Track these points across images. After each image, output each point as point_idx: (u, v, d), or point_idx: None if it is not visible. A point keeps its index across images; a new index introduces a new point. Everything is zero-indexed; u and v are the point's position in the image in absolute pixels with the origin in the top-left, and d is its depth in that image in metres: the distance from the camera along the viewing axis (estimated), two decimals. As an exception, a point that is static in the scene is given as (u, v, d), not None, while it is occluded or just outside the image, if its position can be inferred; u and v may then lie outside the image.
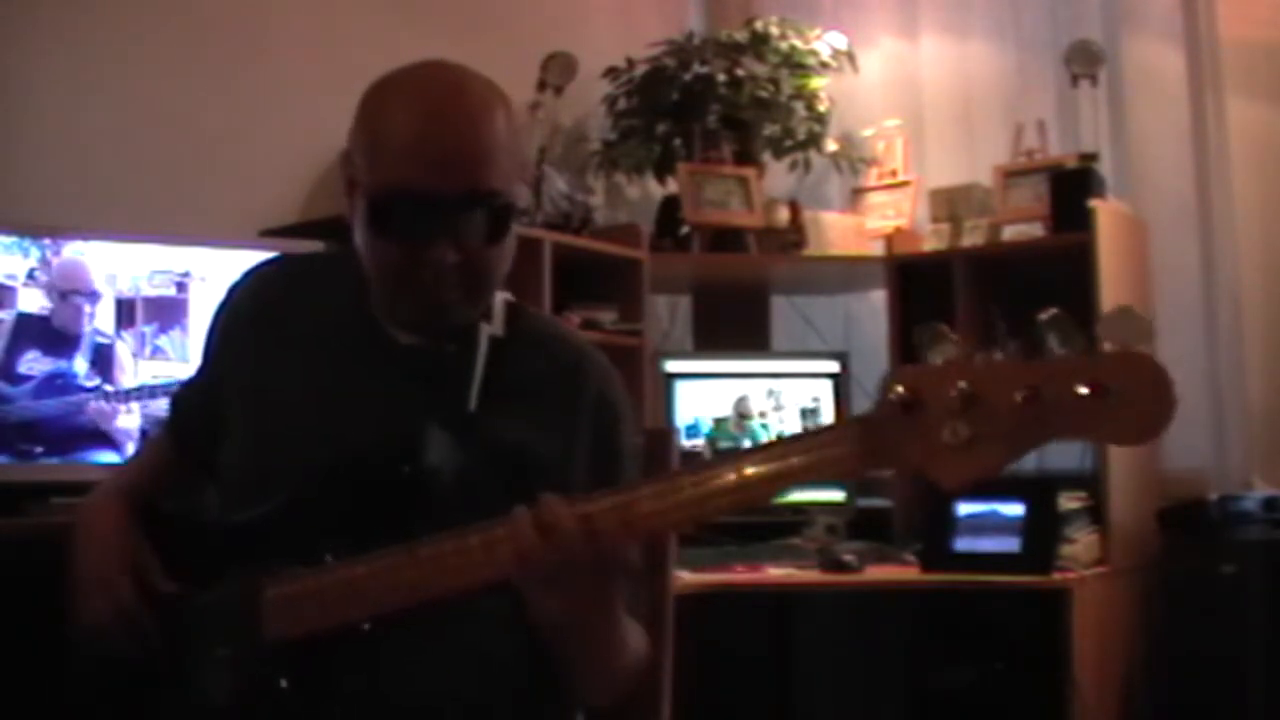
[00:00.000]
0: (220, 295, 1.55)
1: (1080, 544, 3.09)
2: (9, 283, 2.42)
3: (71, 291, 2.47)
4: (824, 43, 3.91)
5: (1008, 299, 3.39)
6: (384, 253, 1.34)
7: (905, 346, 3.52)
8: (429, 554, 1.22)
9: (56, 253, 2.47)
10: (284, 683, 1.28)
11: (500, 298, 1.46)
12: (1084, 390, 0.98)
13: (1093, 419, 0.99)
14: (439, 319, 1.38)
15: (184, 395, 1.61)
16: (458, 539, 1.21)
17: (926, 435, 1.03)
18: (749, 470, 1.12)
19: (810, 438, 1.12)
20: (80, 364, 2.48)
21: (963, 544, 3.12)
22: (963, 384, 1.02)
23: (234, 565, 1.34)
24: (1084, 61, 3.50)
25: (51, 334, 2.45)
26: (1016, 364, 1.03)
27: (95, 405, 2.48)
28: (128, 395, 2.51)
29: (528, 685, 1.40)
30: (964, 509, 3.15)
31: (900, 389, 1.04)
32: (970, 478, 1.03)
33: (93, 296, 2.50)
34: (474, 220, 1.32)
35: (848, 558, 3.18)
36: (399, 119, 1.32)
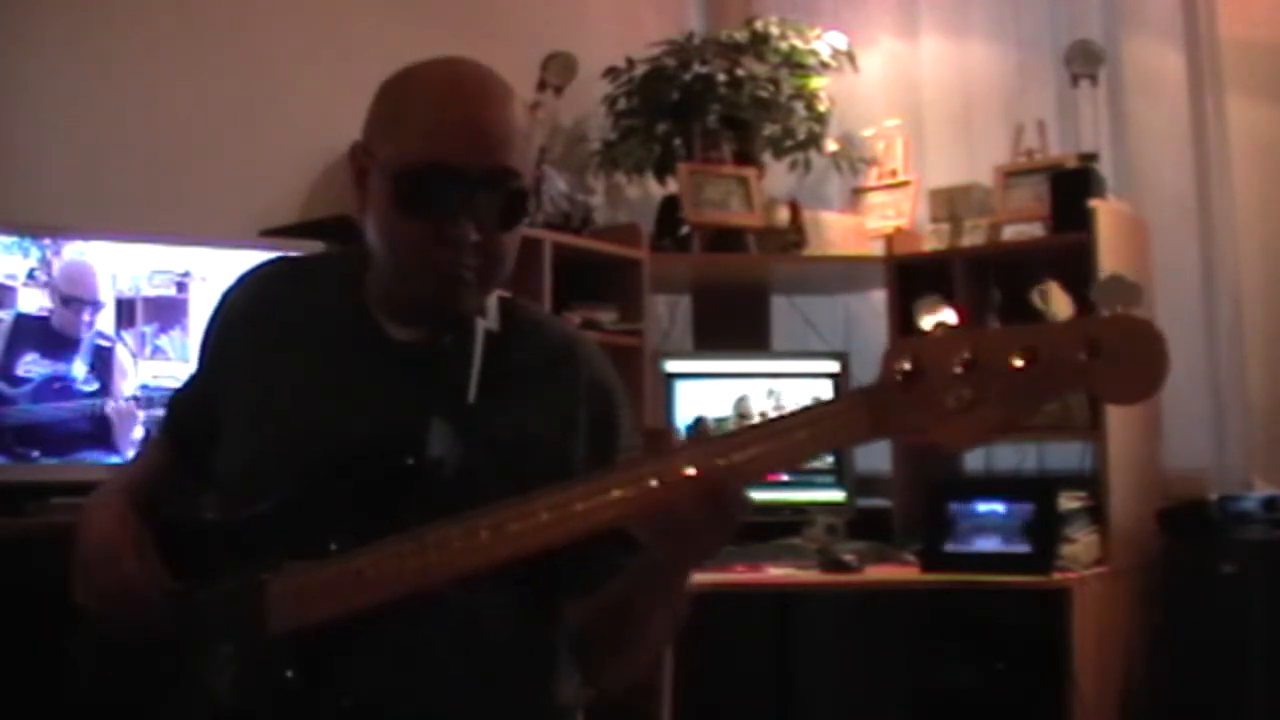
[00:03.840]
0: (220, 295, 1.56)
1: (1080, 544, 3.09)
2: (9, 283, 2.42)
3: (73, 298, 2.47)
4: (824, 43, 3.91)
5: (1008, 299, 3.39)
6: (405, 230, 1.36)
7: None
8: (436, 539, 1.23)
9: (57, 253, 2.47)
10: (289, 673, 1.28)
11: (494, 295, 1.48)
12: (1081, 352, 1.01)
13: (1090, 379, 1.02)
14: (452, 297, 1.39)
15: (180, 400, 1.62)
16: (464, 524, 1.22)
17: (930, 401, 1.06)
18: (754, 446, 1.15)
19: (814, 411, 1.14)
20: (79, 367, 2.48)
21: (962, 544, 3.12)
22: (964, 352, 1.05)
23: (236, 562, 1.34)
24: (1084, 61, 3.50)
25: (51, 336, 2.45)
26: (1014, 329, 1.06)
27: (93, 414, 2.48)
28: (125, 404, 2.51)
29: (530, 676, 1.41)
30: (964, 509, 3.15)
31: (904, 359, 1.07)
32: (974, 439, 1.06)
33: (95, 305, 2.49)
34: (495, 200, 1.36)
35: (848, 558, 3.18)
36: (422, 100, 1.37)
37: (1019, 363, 1.03)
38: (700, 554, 1.25)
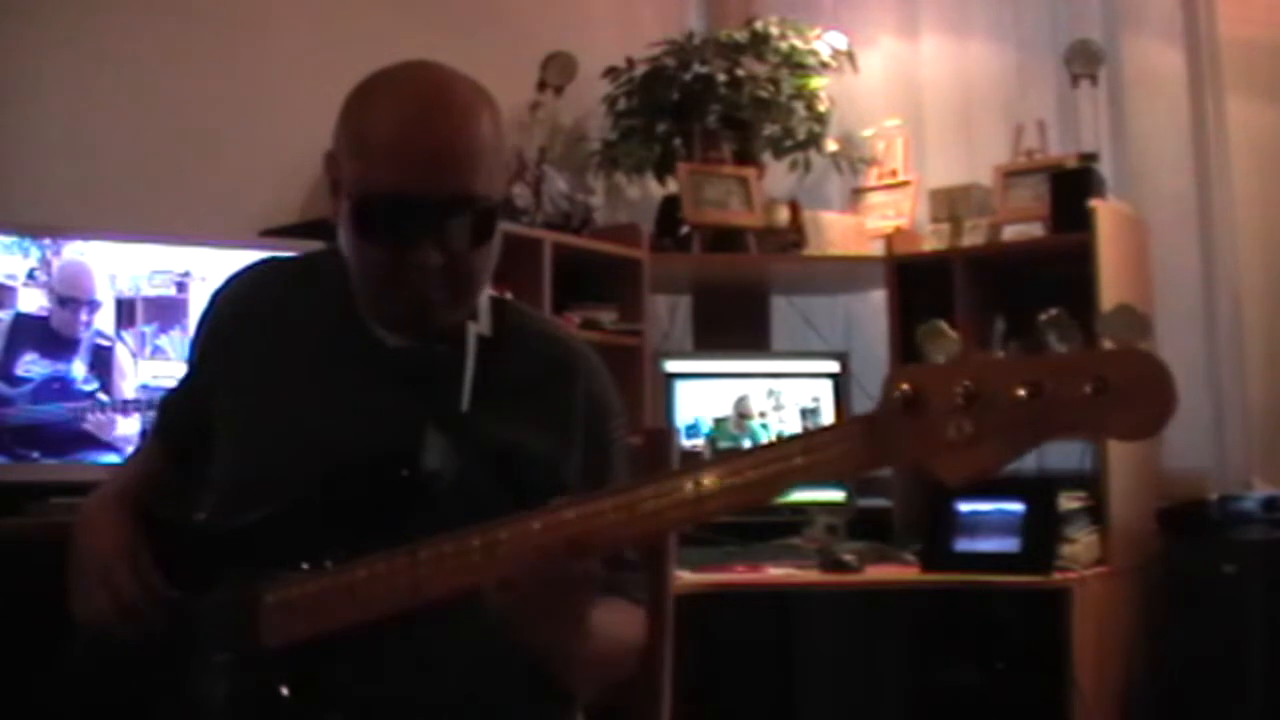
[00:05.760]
0: (209, 297, 1.54)
1: (1080, 544, 3.09)
2: (9, 283, 2.42)
3: (70, 299, 2.47)
4: (824, 43, 3.91)
5: (1008, 299, 3.39)
6: (368, 255, 1.34)
7: (905, 346, 3.52)
8: (429, 555, 1.21)
9: (56, 253, 2.47)
10: (284, 690, 1.27)
11: (486, 296, 1.46)
12: (1086, 386, 0.98)
13: (1095, 414, 0.98)
14: (424, 319, 1.38)
15: (172, 402, 1.60)
16: (457, 540, 1.21)
17: (930, 432, 1.03)
18: (750, 472, 1.11)
19: (813, 437, 1.11)
20: (79, 367, 2.48)
21: (963, 544, 3.12)
22: (966, 381, 1.02)
23: (231, 570, 1.33)
24: (1084, 61, 3.50)
25: (50, 336, 2.45)
26: (1019, 361, 1.03)
27: (93, 416, 2.48)
28: (125, 406, 2.51)
29: (528, 684, 1.39)
30: (964, 509, 3.15)
31: (904, 387, 1.05)
32: (974, 473, 1.03)
33: (92, 305, 2.49)
34: (458, 224, 1.31)
35: (848, 558, 3.18)
36: (383, 121, 1.31)
37: (1023, 395, 1.00)
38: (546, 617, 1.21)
